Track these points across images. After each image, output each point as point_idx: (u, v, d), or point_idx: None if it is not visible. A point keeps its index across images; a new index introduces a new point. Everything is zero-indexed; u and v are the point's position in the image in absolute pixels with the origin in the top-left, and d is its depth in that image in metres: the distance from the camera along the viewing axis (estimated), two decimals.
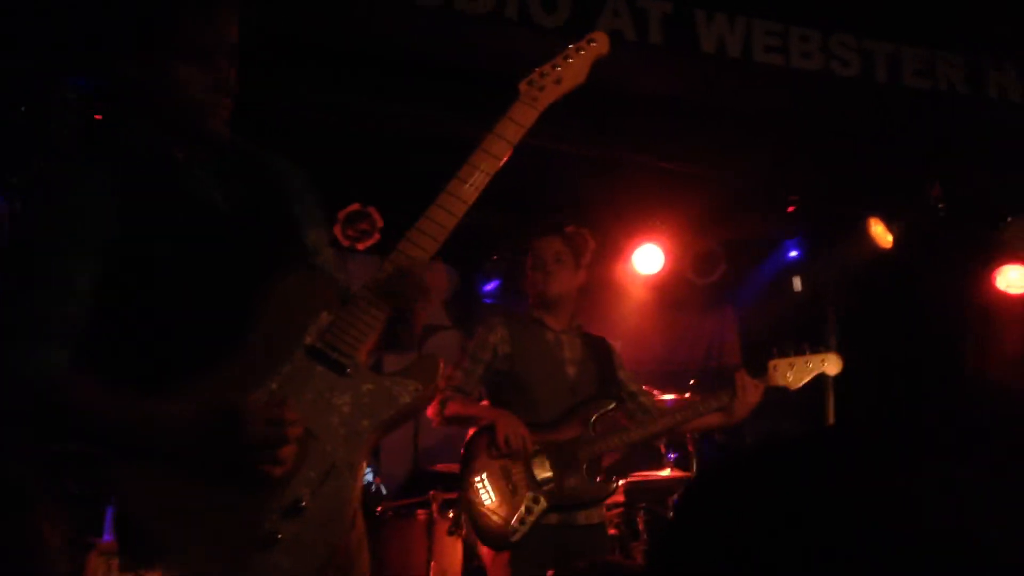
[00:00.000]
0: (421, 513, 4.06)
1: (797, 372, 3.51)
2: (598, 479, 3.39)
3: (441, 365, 1.85)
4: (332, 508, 1.68)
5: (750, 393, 3.41)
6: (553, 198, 5.73)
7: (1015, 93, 4.38)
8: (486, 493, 3.27)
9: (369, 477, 4.75)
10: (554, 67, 1.97)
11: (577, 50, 2.00)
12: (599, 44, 2.02)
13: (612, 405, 3.50)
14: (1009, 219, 4.82)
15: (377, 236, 5.49)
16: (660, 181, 5.40)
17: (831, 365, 3.56)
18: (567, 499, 3.31)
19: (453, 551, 4.05)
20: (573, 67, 1.99)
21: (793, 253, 6.11)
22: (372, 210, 5.47)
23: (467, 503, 3.29)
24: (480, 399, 3.59)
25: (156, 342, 1.71)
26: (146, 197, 1.73)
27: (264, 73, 3.79)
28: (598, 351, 3.67)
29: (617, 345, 3.79)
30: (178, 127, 1.77)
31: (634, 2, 4.03)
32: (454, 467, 4.59)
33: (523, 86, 1.95)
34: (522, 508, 3.26)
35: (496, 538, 3.25)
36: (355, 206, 5.46)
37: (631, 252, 5.92)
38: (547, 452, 3.35)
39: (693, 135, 4.83)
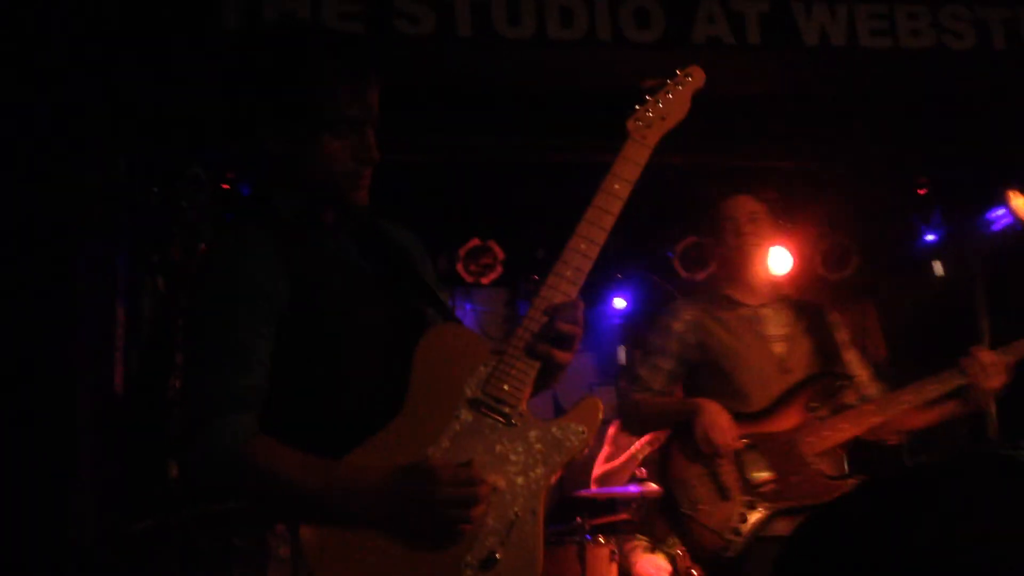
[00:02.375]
0: (571, 540, 4.07)
1: None
2: (828, 475, 2.89)
3: (601, 406, 1.87)
4: (523, 556, 1.73)
5: (991, 374, 2.90)
6: (672, 210, 5.69)
7: None
8: (692, 500, 2.86)
9: None
10: (657, 103, 2.03)
11: (676, 85, 2.06)
12: (695, 79, 2.08)
13: (836, 383, 3.01)
14: None
15: (500, 269, 5.58)
16: (779, 181, 5.29)
17: None
18: (793, 501, 2.82)
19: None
20: (674, 103, 2.04)
21: (931, 237, 5.85)
22: (492, 243, 5.56)
23: (672, 514, 2.89)
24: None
25: (323, 405, 1.77)
26: (304, 264, 1.80)
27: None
28: (814, 322, 3.17)
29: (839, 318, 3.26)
30: (326, 197, 1.84)
31: (728, 5, 3.98)
32: (598, 494, 4.61)
33: (631, 124, 1.99)
34: (736, 516, 2.82)
35: (710, 553, 2.82)
36: (475, 241, 5.57)
37: None
38: (762, 448, 2.90)
39: (806, 131, 4.71)
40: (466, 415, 1.79)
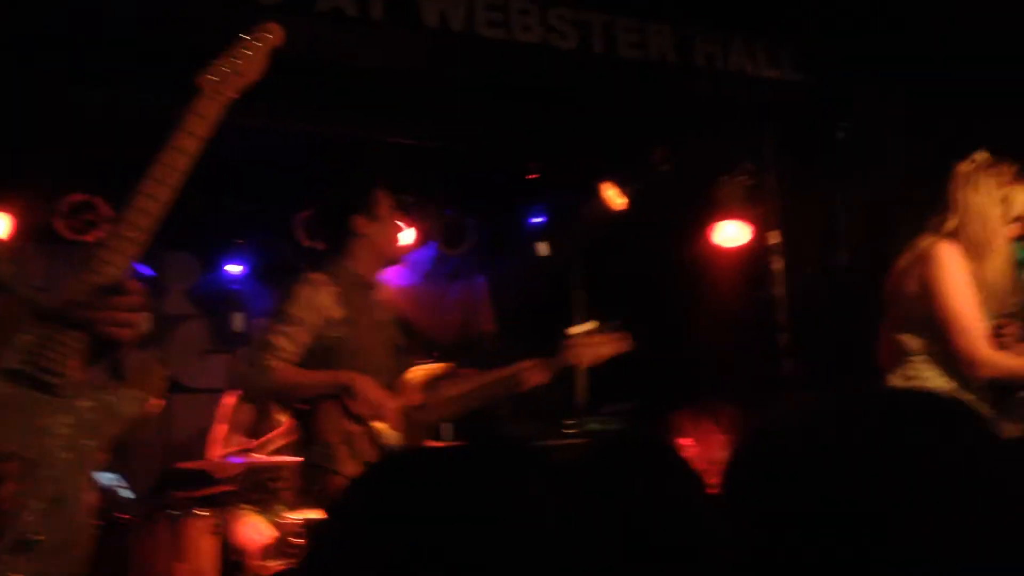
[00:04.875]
0: (166, 515, 3.90)
1: (592, 350, 3.51)
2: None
3: (161, 370, 1.79)
4: (65, 537, 1.61)
5: (534, 378, 3.40)
6: (292, 179, 5.62)
7: (720, 62, 4.70)
8: (338, 463, 2.98)
9: (111, 482, 4.51)
10: (232, 59, 2.00)
11: (253, 42, 2.04)
12: (274, 36, 2.08)
13: (442, 366, 3.32)
14: (723, 177, 5.19)
15: (106, 227, 5.20)
16: (398, 156, 5.41)
17: (624, 345, 3.55)
18: None
19: (207, 551, 3.93)
20: (251, 59, 2.02)
21: (537, 219, 6.31)
22: (98, 200, 5.17)
23: (319, 475, 3.01)
24: None
25: None
26: None
27: None
28: (396, 309, 3.48)
29: None
30: None
31: None
32: (202, 464, 4.47)
33: (204, 80, 1.96)
34: None
35: None
36: (77, 196, 5.15)
37: None
38: (394, 422, 3.10)
39: (429, 109, 4.86)
40: (5, 388, 1.64)
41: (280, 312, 3.09)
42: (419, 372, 3.26)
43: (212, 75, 1.96)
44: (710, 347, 5.31)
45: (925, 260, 3.05)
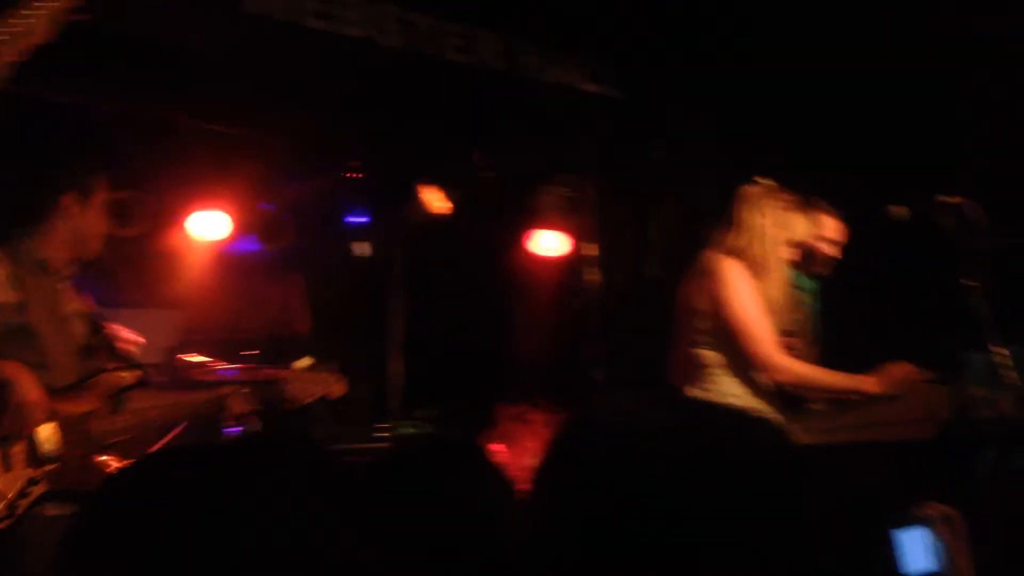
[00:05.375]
0: None
1: (304, 387, 3.44)
2: (110, 463, 2.93)
3: None
4: None
5: (238, 407, 3.25)
6: (102, 161, 5.32)
7: (544, 73, 4.78)
8: None
9: None
10: (24, 18, 1.88)
11: (42, 3, 1.92)
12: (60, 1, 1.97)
13: (133, 378, 3.08)
14: (543, 187, 5.28)
15: None
16: (220, 145, 5.22)
17: (337, 388, 3.53)
18: (71, 485, 2.82)
19: None
20: (38, 22, 1.92)
21: (358, 218, 6.22)
22: None
23: None
24: None
25: None
26: None
27: None
28: (86, 306, 3.19)
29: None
30: None
31: None
32: None
33: None
34: (15, 489, 2.75)
35: None
36: None
37: (191, 218, 5.67)
38: (58, 424, 2.85)
39: (249, 98, 4.70)
40: None
41: None
42: (107, 379, 3.03)
43: None
44: (526, 353, 5.38)
45: (711, 275, 3.20)
